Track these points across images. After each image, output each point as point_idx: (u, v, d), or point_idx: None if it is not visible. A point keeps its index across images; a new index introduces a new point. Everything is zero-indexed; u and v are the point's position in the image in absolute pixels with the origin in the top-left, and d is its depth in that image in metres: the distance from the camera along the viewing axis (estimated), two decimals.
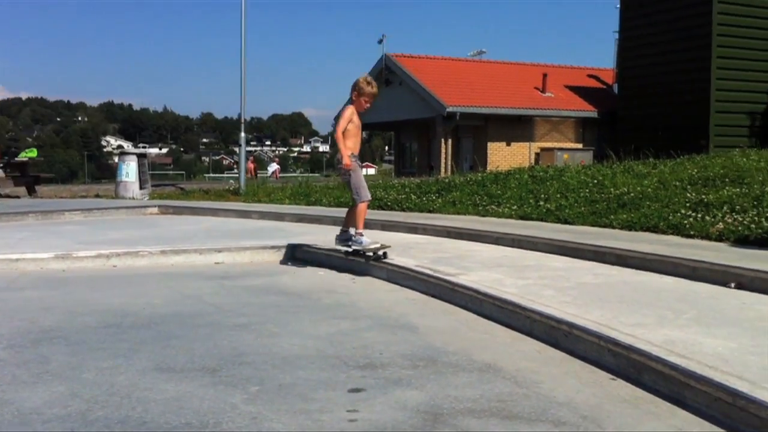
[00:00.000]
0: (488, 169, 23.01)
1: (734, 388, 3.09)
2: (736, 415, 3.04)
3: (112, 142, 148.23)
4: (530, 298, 4.98)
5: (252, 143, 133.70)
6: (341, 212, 11.63)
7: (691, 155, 14.17)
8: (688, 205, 8.55)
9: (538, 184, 12.05)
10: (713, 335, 3.99)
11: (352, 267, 7.19)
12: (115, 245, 8.15)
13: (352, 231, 7.07)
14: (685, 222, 7.76)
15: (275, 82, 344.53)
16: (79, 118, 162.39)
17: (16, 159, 20.11)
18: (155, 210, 13.48)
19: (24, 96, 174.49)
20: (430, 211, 11.44)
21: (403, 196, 12.63)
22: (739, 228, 7.17)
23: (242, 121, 20.12)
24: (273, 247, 8.21)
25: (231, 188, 19.61)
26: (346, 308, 5.56)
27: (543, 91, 33.15)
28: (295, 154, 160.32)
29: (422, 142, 35.69)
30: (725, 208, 8.07)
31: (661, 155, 14.77)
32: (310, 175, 56.70)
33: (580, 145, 32.21)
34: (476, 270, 6.29)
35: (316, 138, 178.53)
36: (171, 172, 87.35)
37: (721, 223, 7.46)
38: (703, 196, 8.77)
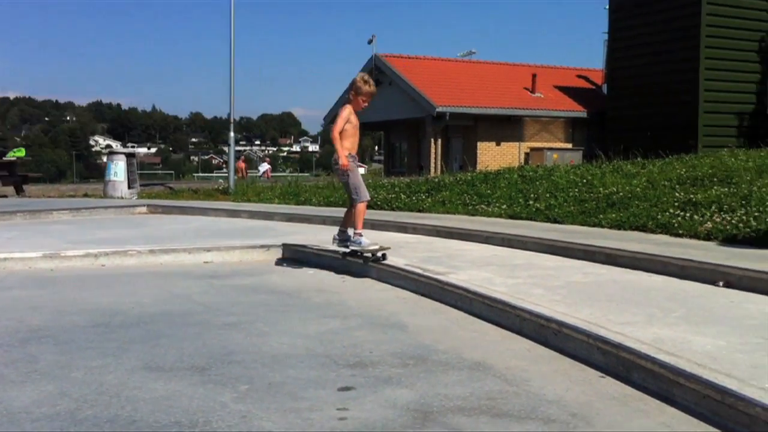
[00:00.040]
0: (478, 168, 23.04)
1: (723, 385, 3.10)
2: (725, 412, 3.05)
3: (100, 141, 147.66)
4: (520, 297, 4.99)
5: (241, 143, 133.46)
6: (331, 211, 11.63)
7: (680, 155, 14.22)
8: (676, 204, 8.59)
9: (527, 183, 12.07)
10: (702, 333, 4.01)
11: (342, 266, 7.18)
12: (104, 244, 8.11)
13: (350, 232, 6.95)
14: (674, 221, 7.79)
15: (265, 82, 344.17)
16: (68, 118, 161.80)
17: (4, 158, 19.99)
18: (144, 209, 13.43)
19: (12, 95, 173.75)
20: (419, 211, 11.44)
21: (393, 196, 12.63)
22: (728, 227, 7.20)
23: (231, 120, 20.09)
24: (262, 247, 8.19)
25: (220, 188, 19.59)
26: (336, 307, 5.56)
27: (532, 91, 33.21)
28: (285, 153, 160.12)
29: (412, 141, 35.71)
30: (714, 207, 8.10)
31: (650, 155, 14.82)
32: (300, 174, 56.68)
33: (569, 145, 32.29)
34: (466, 269, 6.29)
35: (305, 138, 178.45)
36: (160, 172, 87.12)
37: (709, 223, 7.49)
38: (692, 196, 8.81)
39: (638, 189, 9.89)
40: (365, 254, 6.83)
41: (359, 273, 6.90)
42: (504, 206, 10.51)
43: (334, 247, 7.17)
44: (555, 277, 5.93)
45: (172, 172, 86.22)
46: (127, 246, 7.96)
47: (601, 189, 10.33)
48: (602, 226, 8.46)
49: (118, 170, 17.55)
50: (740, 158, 11.78)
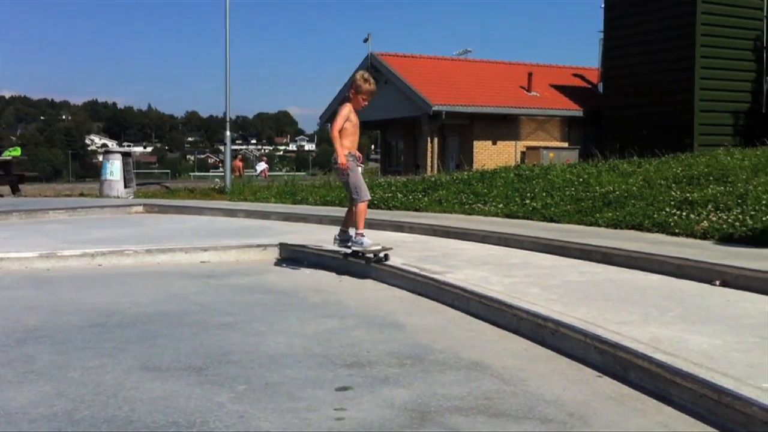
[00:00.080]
0: (474, 167, 23.07)
1: (720, 384, 3.11)
2: (722, 411, 3.06)
3: (96, 140, 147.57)
4: (517, 296, 5.00)
5: (237, 142, 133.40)
6: (327, 211, 11.64)
7: (676, 154, 14.24)
8: (672, 203, 8.60)
9: (524, 182, 12.08)
10: (698, 332, 4.01)
11: (339, 266, 7.18)
12: (100, 244, 8.10)
13: (351, 232, 6.85)
14: (670, 220, 7.80)
15: (261, 81, 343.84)
16: (63, 117, 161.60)
17: None
18: (140, 209, 13.42)
19: (7, 94, 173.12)
20: (416, 210, 11.45)
21: (390, 195, 12.63)
22: (724, 226, 7.21)
23: (227, 119, 20.05)
24: (259, 246, 8.19)
25: (217, 187, 19.56)
26: (333, 307, 5.56)
27: (528, 90, 33.20)
28: (281, 152, 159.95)
29: (408, 140, 35.69)
30: (710, 206, 8.12)
31: (646, 154, 14.83)
32: (296, 173, 56.62)
33: (565, 144, 32.27)
34: (463, 268, 6.30)
35: (301, 137, 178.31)
36: (156, 171, 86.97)
37: (705, 221, 7.50)
38: (688, 195, 8.82)
39: (634, 188, 9.91)
40: (367, 255, 6.74)
41: (361, 274, 6.80)
42: (500, 205, 10.52)
43: (336, 248, 7.07)
44: (551, 276, 5.94)
45: (169, 171, 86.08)
46: (124, 246, 7.95)
47: (597, 188, 10.34)
48: (599, 225, 8.47)
49: (114, 169, 17.50)
50: (736, 157, 11.79)
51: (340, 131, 6.69)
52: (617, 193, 9.69)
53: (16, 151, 20.89)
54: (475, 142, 31.55)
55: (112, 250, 7.70)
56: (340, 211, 11.37)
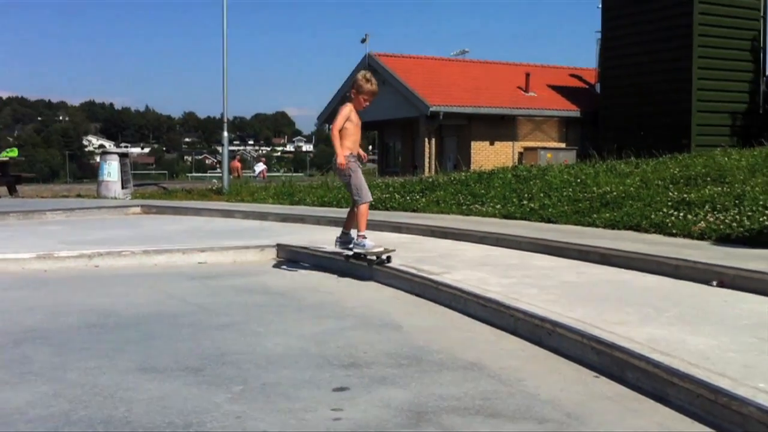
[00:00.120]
0: (472, 168, 23.08)
1: (716, 385, 3.11)
2: (718, 411, 3.06)
3: (93, 141, 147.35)
4: (514, 297, 5.00)
5: (235, 143, 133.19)
6: (325, 211, 11.64)
7: (673, 154, 14.24)
8: (670, 204, 8.60)
9: (521, 183, 12.08)
10: (696, 333, 4.02)
11: (337, 266, 7.18)
12: (98, 245, 8.10)
13: (353, 234, 6.75)
14: (668, 221, 7.81)
15: (258, 82, 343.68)
16: (60, 118, 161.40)
17: None
18: (138, 210, 13.41)
19: (4, 95, 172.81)
20: (414, 211, 11.45)
21: (387, 196, 12.64)
22: (721, 227, 7.21)
23: (225, 120, 20.05)
24: (257, 247, 8.19)
25: (214, 188, 19.54)
26: (330, 307, 5.56)
27: (526, 90, 33.23)
28: (279, 153, 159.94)
29: (406, 141, 35.72)
30: (707, 206, 8.12)
31: (643, 154, 14.85)
32: (294, 174, 56.65)
33: (563, 145, 32.32)
34: (460, 269, 6.30)
35: (299, 137, 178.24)
36: (153, 172, 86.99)
37: (703, 222, 7.51)
38: (685, 195, 8.83)
39: (632, 188, 9.91)
40: (369, 257, 6.64)
41: (363, 276, 6.72)
42: (498, 206, 10.52)
43: (337, 250, 6.96)
44: (549, 276, 5.94)
45: (166, 172, 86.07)
46: (121, 247, 7.94)
47: (594, 188, 10.35)
48: (596, 226, 8.47)
49: (111, 170, 17.50)
50: (733, 157, 11.81)
51: (341, 131, 6.60)
52: (615, 193, 9.70)
53: (13, 152, 20.88)
54: (472, 143, 31.57)
55: (109, 251, 7.69)
56: (338, 212, 11.39)
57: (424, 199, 12.03)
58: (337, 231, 8.14)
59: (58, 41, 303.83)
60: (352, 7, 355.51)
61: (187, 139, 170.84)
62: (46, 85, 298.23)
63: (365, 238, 6.64)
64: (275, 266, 7.63)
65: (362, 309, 5.48)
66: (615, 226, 8.26)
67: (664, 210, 8.29)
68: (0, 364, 4.02)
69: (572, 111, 32.61)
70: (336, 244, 6.95)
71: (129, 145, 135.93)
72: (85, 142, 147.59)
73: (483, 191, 11.80)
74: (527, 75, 33.54)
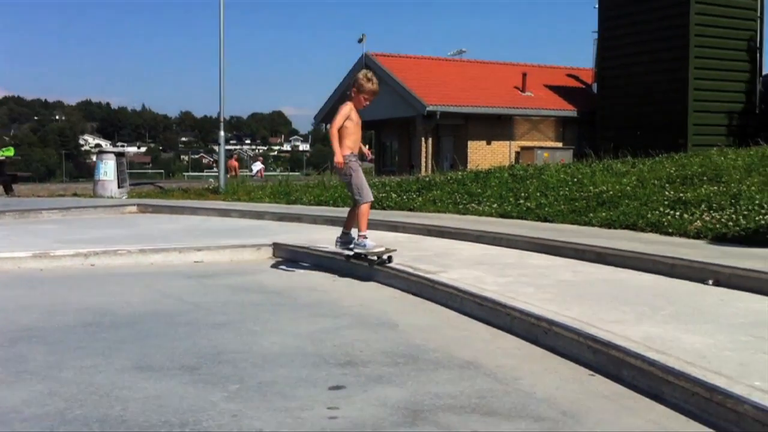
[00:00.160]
0: (468, 167, 23.06)
1: (712, 383, 3.11)
2: (714, 410, 3.06)
3: (90, 140, 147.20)
4: (510, 296, 5.00)
5: (232, 142, 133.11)
6: (321, 210, 11.64)
7: (670, 154, 14.27)
8: (666, 203, 8.62)
9: (518, 182, 12.09)
10: (691, 331, 4.02)
11: (332, 265, 7.18)
12: (94, 244, 8.09)
13: (354, 234, 6.67)
14: (664, 220, 7.82)
15: (255, 81, 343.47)
16: (57, 117, 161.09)
17: None
18: (134, 209, 13.40)
19: (0, 94, 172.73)
20: (410, 210, 11.45)
21: (384, 195, 12.64)
22: (717, 226, 7.23)
23: (221, 119, 20.06)
24: (253, 246, 8.19)
25: (211, 187, 19.55)
26: (327, 306, 5.56)
27: (523, 90, 33.24)
28: (275, 152, 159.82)
29: (403, 140, 35.71)
30: (703, 206, 8.14)
31: (639, 154, 14.87)
32: (291, 173, 56.61)
33: (559, 144, 32.33)
34: (457, 268, 6.30)
35: (296, 137, 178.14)
36: (150, 171, 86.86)
37: (699, 221, 7.52)
38: (682, 195, 8.84)
39: (628, 188, 9.93)
40: (370, 257, 6.57)
41: (361, 276, 6.68)
42: (495, 205, 10.53)
43: (338, 250, 6.89)
44: (545, 275, 5.95)
45: (162, 171, 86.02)
46: (117, 245, 7.94)
47: (591, 188, 10.36)
48: (592, 225, 8.48)
49: (107, 169, 17.49)
50: (729, 157, 11.83)
51: (341, 130, 6.51)
52: (611, 192, 9.71)
53: (10, 151, 20.86)
54: (469, 142, 31.57)
55: (105, 250, 7.69)
56: (335, 211, 11.40)
57: (420, 199, 12.03)
58: (334, 230, 8.13)
59: (54, 40, 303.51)
60: (350, 7, 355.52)
61: (183, 139, 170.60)
62: (43, 85, 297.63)
63: (366, 238, 6.55)
64: (272, 265, 7.62)
65: (359, 308, 5.48)
66: (611, 225, 8.27)
67: (661, 209, 8.30)
68: None
69: (569, 111, 32.62)
70: (336, 245, 6.88)
71: (125, 144, 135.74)
72: (81, 142, 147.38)
73: (479, 190, 11.80)
74: (524, 75, 33.54)
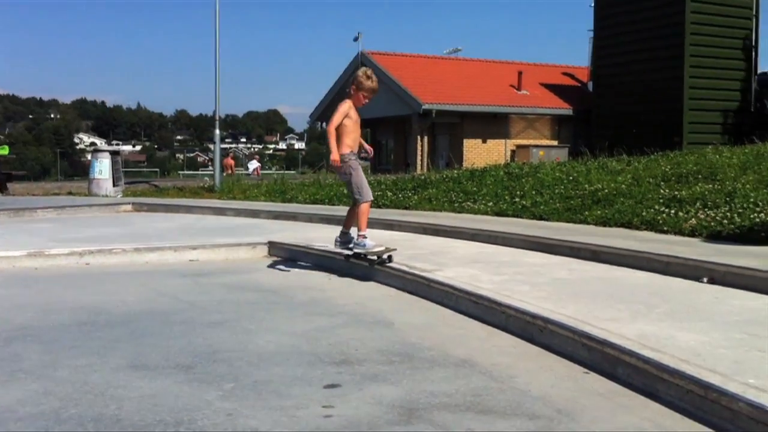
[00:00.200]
0: (464, 166, 23.09)
1: (706, 381, 3.12)
2: (708, 407, 3.07)
3: (85, 139, 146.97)
4: (506, 294, 5.00)
5: (227, 140, 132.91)
6: (317, 209, 11.63)
7: (665, 152, 14.29)
8: (661, 201, 8.63)
9: (513, 180, 12.10)
10: (686, 329, 4.03)
11: (328, 264, 7.17)
12: (89, 243, 8.08)
13: (353, 233, 6.57)
14: (659, 218, 7.83)
15: (250, 80, 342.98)
16: (52, 116, 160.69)
17: None
18: (129, 207, 13.39)
19: None
20: (406, 208, 11.45)
21: (379, 193, 12.62)
22: (712, 224, 7.24)
23: (217, 118, 20.01)
24: (249, 245, 8.18)
25: (206, 185, 19.52)
26: (322, 305, 5.55)
27: (518, 88, 33.25)
28: (271, 151, 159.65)
29: (398, 139, 35.71)
30: (698, 204, 8.15)
31: (635, 152, 14.88)
32: (286, 172, 56.57)
33: (555, 143, 32.35)
34: (452, 266, 6.30)
35: (291, 135, 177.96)
36: (145, 170, 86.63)
37: (694, 219, 7.53)
38: (677, 193, 8.85)
39: (623, 186, 9.94)
40: (370, 257, 6.48)
41: (360, 275, 6.64)
42: (490, 203, 10.53)
43: (337, 250, 6.79)
44: (541, 273, 5.95)
45: (157, 169, 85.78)
46: (112, 244, 7.92)
47: (586, 186, 10.37)
48: (588, 223, 8.50)
49: (102, 168, 17.45)
50: (725, 155, 11.85)
51: (340, 128, 6.40)
52: (606, 191, 9.72)
53: (4, 150, 20.84)
54: (465, 141, 31.59)
55: (100, 249, 7.67)
56: (330, 210, 11.40)
57: (416, 197, 12.03)
58: (329, 228, 8.14)
59: (50, 39, 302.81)
60: (346, 6, 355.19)
61: (178, 137, 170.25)
62: (38, 83, 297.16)
63: (366, 237, 6.46)
64: (267, 264, 7.62)
65: (354, 306, 5.48)
66: (606, 223, 8.28)
67: (656, 207, 8.31)
68: None
69: (565, 109, 32.65)
70: (336, 244, 6.78)
71: (120, 142, 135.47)
72: (76, 140, 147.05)
73: (475, 189, 11.81)
74: (520, 73, 33.55)
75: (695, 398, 3.14)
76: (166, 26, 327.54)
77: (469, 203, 10.87)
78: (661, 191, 9.17)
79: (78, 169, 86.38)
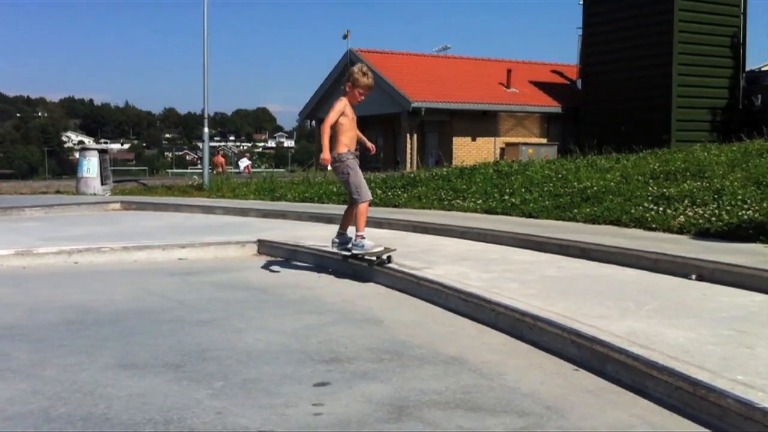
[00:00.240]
0: (454, 164, 23.11)
1: (695, 377, 3.13)
2: (697, 404, 3.08)
3: (73, 137, 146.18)
4: (495, 291, 5.01)
5: (216, 138, 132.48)
6: (306, 207, 11.62)
7: (654, 150, 14.33)
8: (650, 198, 8.66)
9: (502, 178, 12.12)
10: (675, 326, 4.05)
11: (317, 262, 7.17)
12: (77, 241, 8.04)
13: (350, 234, 6.43)
14: (647, 215, 7.86)
15: (239, 77, 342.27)
16: (40, 114, 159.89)
17: None
18: (117, 206, 13.34)
19: None
20: (395, 206, 11.45)
21: None
22: (700, 221, 7.27)
23: (205, 116, 19.96)
24: (237, 243, 8.16)
25: (195, 184, 19.45)
26: (312, 303, 5.55)
27: (507, 86, 33.31)
28: (260, 149, 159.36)
29: (388, 137, 35.70)
30: (686, 201, 8.19)
31: (624, 150, 14.92)
32: (275, 170, 56.44)
33: (544, 140, 32.44)
34: (442, 264, 6.30)
35: (280, 133, 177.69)
36: (133, 168, 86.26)
37: (682, 216, 7.56)
38: (665, 190, 8.89)
39: (612, 183, 9.97)
40: (369, 257, 6.34)
41: (350, 273, 6.60)
42: (479, 201, 10.55)
43: (334, 250, 6.62)
44: (530, 271, 5.96)
45: (146, 168, 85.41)
46: (101, 243, 7.89)
47: (575, 184, 10.40)
48: (577, 221, 8.52)
49: (90, 166, 17.39)
50: (713, 153, 11.90)
51: (336, 127, 6.22)
52: (595, 188, 9.75)
53: None
54: (454, 139, 31.63)
55: (88, 248, 7.64)
56: (319, 208, 11.39)
57: (405, 195, 12.04)
58: (319, 226, 8.14)
59: (37, 37, 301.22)
60: (335, 4, 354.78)
61: (167, 135, 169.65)
62: (25, 81, 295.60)
63: (364, 238, 6.32)
64: (256, 262, 7.60)
65: (343, 304, 5.48)
66: (595, 220, 8.31)
67: (644, 205, 8.34)
68: None
69: (554, 107, 32.74)
70: (333, 245, 6.61)
71: (109, 141, 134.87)
72: (64, 138, 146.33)
73: (464, 187, 11.82)
74: (509, 71, 33.62)
75: (684, 395, 3.15)
76: (154, 24, 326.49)
77: (458, 201, 10.88)
78: (650, 189, 9.21)
79: (66, 167, 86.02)
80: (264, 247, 8.07)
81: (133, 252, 7.69)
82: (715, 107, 25.14)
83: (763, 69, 27.07)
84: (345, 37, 33.70)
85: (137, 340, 4.41)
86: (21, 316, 5.08)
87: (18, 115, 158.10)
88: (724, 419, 2.94)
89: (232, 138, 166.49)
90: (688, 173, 9.93)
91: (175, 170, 78.79)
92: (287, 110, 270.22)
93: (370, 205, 6.52)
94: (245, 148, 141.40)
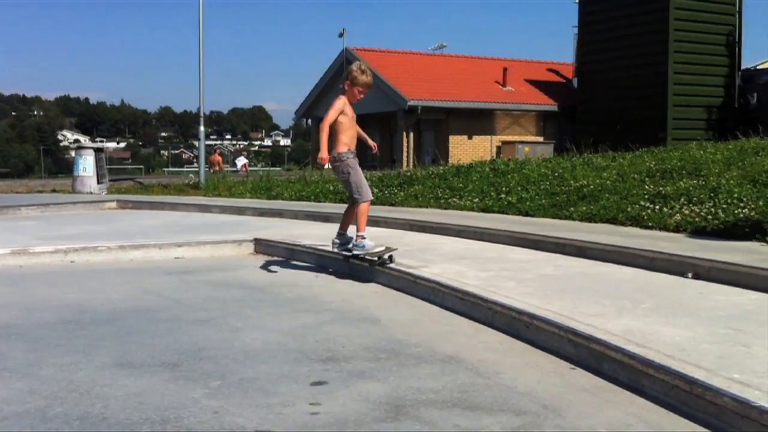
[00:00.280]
0: (450, 162, 23.12)
1: (691, 376, 3.14)
2: (693, 402, 3.09)
3: (68, 136, 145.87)
4: (492, 290, 5.01)
5: (212, 137, 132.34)
6: (302, 206, 11.61)
7: (650, 148, 14.34)
8: (646, 197, 8.67)
9: (499, 177, 12.12)
10: (671, 324, 4.05)
11: (314, 261, 7.17)
12: (73, 240, 8.03)
13: (350, 234, 6.36)
14: (644, 214, 7.86)
15: (235, 76, 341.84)
16: (35, 113, 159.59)
17: None
18: (114, 205, 13.32)
19: None
20: (392, 205, 11.45)
21: None
22: (696, 219, 7.28)
23: (201, 114, 19.95)
24: (234, 242, 8.16)
25: (191, 182, 19.44)
26: (308, 302, 5.55)
27: (504, 85, 33.32)
28: (256, 148, 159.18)
29: (384, 135, 35.68)
30: (682, 199, 8.19)
31: (620, 148, 14.93)
32: (272, 169, 56.40)
33: (540, 139, 32.46)
34: (438, 262, 6.31)
35: (277, 132, 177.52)
36: (129, 167, 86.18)
37: (678, 215, 7.57)
38: (661, 188, 8.89)
39: (608, 182, 9.98)
40: (370, 257, 6.29)
41: (346, 272, 6.58)
42: (476, 200, 10.55)
43: (335, 251, 6.57)
44: (526, 269, 5.97)
45: (142, 166, 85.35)
46: (97, 242, 7.88)
47: (571, 182, 10.40)
48: (573, 219, 8.52)
49: (86, 165, 17.37)
50: (709, 151, 11.91)
51: (335, 125, 6.18)
52: (591, 187, 9.76)
53: None
54: (450, 137, 31.64)
55: (84, 247, 7.63)
56: (316, 207, 11.38)
57: (402, 193, 12.03)
58: (315, 225, 8.13)
59: (32, 35, 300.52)
60: (330, 2, 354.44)
61: (163, 134, 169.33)
62: (21, 80, 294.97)
63: (365, 238, 6.25)
64: (253, 261, 7.60)
65: (340, 303, 5.47)
66: (592, 219, 8.31)
67: (641, 203, 8.35)
68: None
69: (550, 105, 32.76)
70: (333, 246, 6.54)
71: (104, 139, 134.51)
72: (60, 137, 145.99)
73: (461, 185, 11.82)
74: (505, 70, 33.63)
75: (681, 393, 3.16)
76: (149, 23, 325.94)
77: (455, 199, 10.88)
78: (646, 187, 9.22)
79: (62, 166, 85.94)
80: (260, 245, 8.07)
81: (129, 251, 7.68)
82: (710, 105, 25.16)
83: (758, 67, 27.13)
84: (341, 35, 33.71)
85: (134, 340, 4.41)
86: (17, 315, 5.07)
87: (13, 113, 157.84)
88: (721, 418, 2.95)
89: (228, 136, 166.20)
90: (684, 171, 9.94)
91: (171, 169, 78.76)
92: (283, 109, 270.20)
93: (371, 204, 6.47)
94: (241, 146, 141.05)
